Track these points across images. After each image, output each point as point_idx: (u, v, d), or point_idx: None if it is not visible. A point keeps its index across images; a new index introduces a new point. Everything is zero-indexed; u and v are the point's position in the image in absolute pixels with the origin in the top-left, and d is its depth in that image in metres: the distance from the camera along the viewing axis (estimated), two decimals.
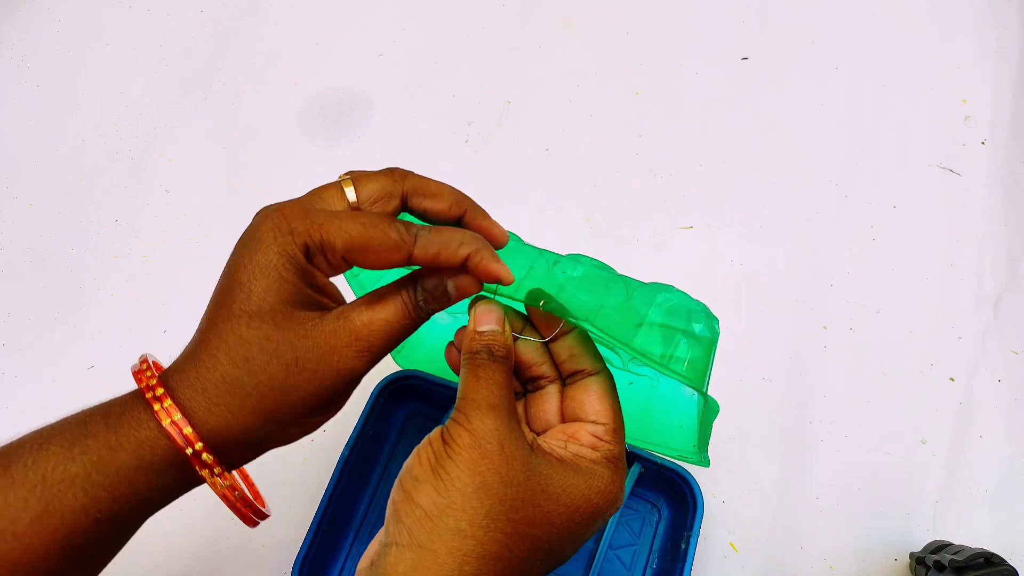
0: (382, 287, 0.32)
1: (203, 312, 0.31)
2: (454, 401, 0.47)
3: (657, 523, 0.51)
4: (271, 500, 0.35)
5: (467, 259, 0.30)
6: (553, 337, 0.34)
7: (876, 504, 0.54)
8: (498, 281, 0.31)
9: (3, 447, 0.28)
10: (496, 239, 0.33)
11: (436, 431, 0.31)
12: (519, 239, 0.38)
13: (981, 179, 0.65)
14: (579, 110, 0.69)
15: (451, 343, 0.36)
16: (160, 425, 0.28)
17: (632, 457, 0.49)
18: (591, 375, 0.34)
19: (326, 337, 0.29)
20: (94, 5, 0.74)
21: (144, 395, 0.28)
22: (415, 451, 0.31)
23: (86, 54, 0.72)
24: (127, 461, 0.28)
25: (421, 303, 0.31)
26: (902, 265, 0.62)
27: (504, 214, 0.66)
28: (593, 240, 0.63)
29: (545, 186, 0.66)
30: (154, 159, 0.67)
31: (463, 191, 0.34)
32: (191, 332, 0.34)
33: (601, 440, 0.33)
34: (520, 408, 0.36)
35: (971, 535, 0.52)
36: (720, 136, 0.68)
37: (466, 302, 0.34)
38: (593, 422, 0.33)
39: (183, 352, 0.30)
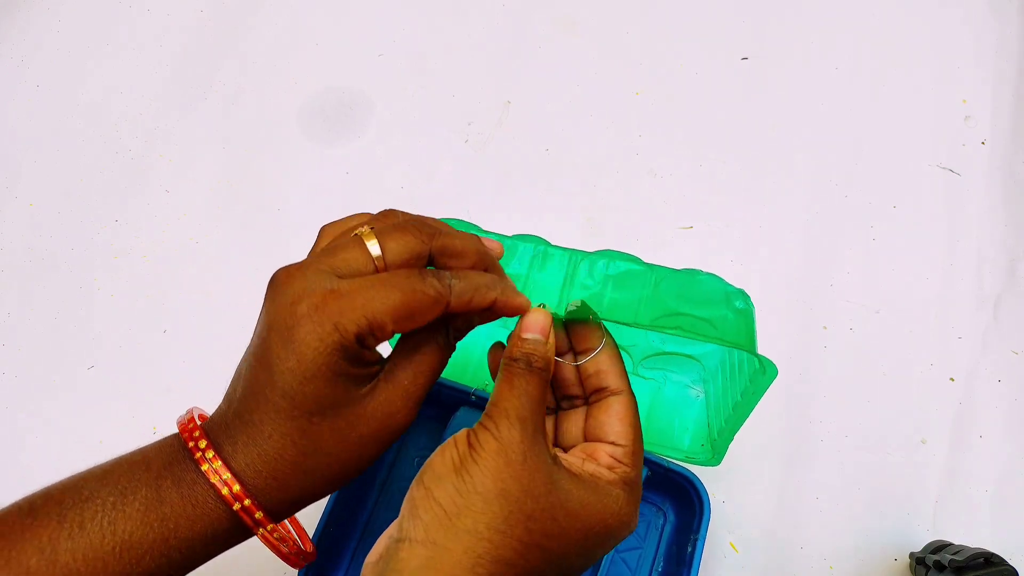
0: (414, 334, 0.32)
1: (238, 379, 0.31)
2: (461, 404, 0.47)
3: (663, 527, 0.51)
4: None
5: (494, 300, 0.32)
6: (587, 359, 0.35)
7: (876, 504, 0.54)
8: (520, 312, 0.33)
9: (68, 492, 0.29)
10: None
11: (462, 432, 0.31)
12: (546, 242, 0.38)
13: (981, 179, 0.65)
14: (579, 110, 0.69)
15: (497, 343, 0.36)
16: (231, 508, 0.29)
17: None
18: (614, 395, 0.34)
19: (383, 407, 0.31)
20: (94, 5, 0.74)
21: (210, 478, 0.29)
22: (439, 449, 0.31)
23: (86, 54, 0.72)
24: (203, 531, 0.29)
25: (453, 341, 0.33)
26: (902, 265, 0.62)
27: (504, 214, 0.67)
28: (593, 240, 0.63)
29: (545, 186, 0.66)
30: (154, 159, 0.67)
31: (466, 227, 0.35)
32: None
33: (619, 462, 0.33)
34: (551, 424, 0.36)
35: (971, 535, 0.52)
36: (720, 136, 0.68)
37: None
38: (612, 443, 0.34)
39: (236, 426, 0.30)
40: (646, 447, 0.41)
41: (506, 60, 0.71)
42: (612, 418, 0.34)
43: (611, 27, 0.73)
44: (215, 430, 0.30)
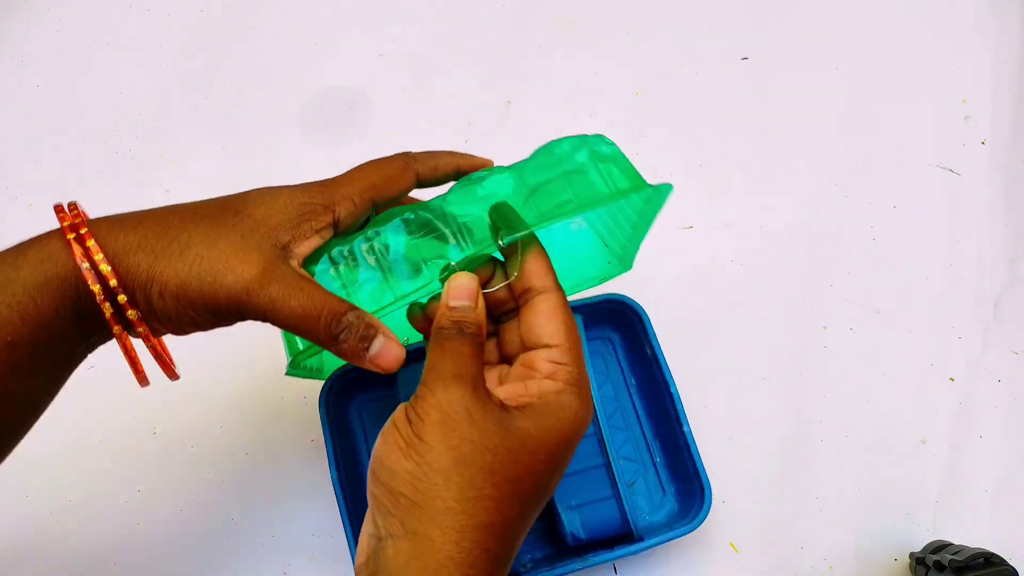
0: (321, 291, 0.32)
1: None
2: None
3: (615, 351, 0.54)
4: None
5: (457, 167, 0.38)
6: (518, 274, 0.34)
7: (876, 504, 0.54)
8: (486, 165, 0.38)
9: None
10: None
11: (400, 412, 0.30)
12: (411, 207, 0.37)
13: (981, 179, 0.65)
14: (579, 110, 0.69)
15: (414, 303, 0.35)
16: (66, 240, 0.28)
17: None
18: (540, 294, 0.34)
19: (241, 263, 0.32)
20: (94, 5, 0.74)
21: (59, 216, 0.29)
22: (381, 436, 0.30)
23: (86, 54, 0.72)
24: (29, 277, 0.28)
25: (341, 335, 0.31)
26: (902, 265, 0.62)
27: None
28: None
29: None
30: (154, 159, 0.67)
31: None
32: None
33: (558, 364, 0.32)
34: (492, 343, 0.36)
35: (971, 535, 0.52)
36: (720, 136, 0.67)
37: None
38: (546, 345, 0.33)
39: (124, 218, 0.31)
40: (567, 292, 0.41)
41: (506, 60, 0.71)
42: (540, 318, 0.33)
43: (611, 27, 0.73)
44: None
